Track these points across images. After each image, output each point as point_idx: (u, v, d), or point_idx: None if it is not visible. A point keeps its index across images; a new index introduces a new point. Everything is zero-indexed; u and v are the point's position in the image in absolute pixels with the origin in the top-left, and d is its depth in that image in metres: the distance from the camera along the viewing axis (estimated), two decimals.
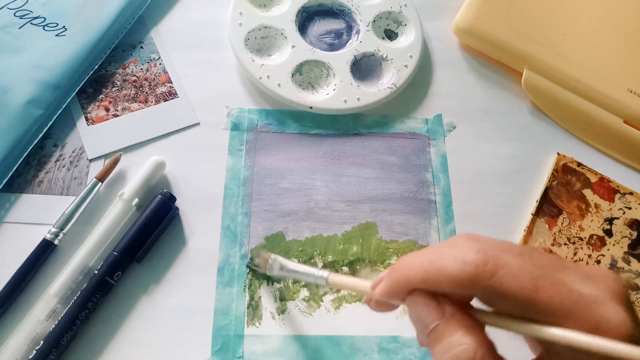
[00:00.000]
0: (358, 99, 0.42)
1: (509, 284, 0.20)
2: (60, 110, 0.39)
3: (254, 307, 0.36)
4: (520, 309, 0.20)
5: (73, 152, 0.39)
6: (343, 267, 0.38)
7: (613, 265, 0.40)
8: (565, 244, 0.40)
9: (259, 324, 0.35)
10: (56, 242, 0.35)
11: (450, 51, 0.48)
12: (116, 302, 0.35)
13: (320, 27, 0.46)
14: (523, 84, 0.45)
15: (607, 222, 0.42)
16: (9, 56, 0.39)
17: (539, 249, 0.40)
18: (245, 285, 0.36)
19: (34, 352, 0.31)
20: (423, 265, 0.22)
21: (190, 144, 0.40)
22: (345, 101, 0.42)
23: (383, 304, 0.26)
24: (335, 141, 0.42)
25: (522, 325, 0.21)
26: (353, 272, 0.38)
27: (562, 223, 0.41)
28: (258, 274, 0.36)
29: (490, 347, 0.20)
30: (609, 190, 0.43)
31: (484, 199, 0.41)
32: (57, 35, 0.41)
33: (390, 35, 0.47)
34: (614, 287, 0.21)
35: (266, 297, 0.36)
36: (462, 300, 0.22)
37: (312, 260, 0.38)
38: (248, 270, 0.37)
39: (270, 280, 0.37)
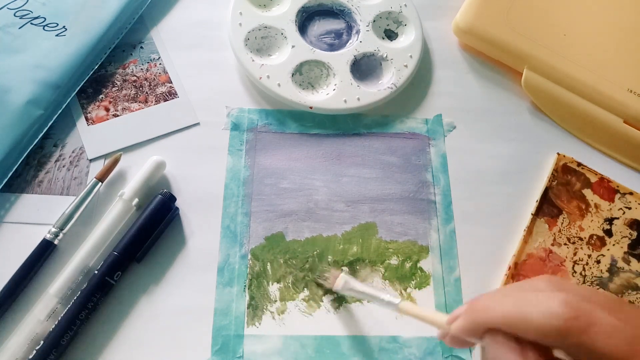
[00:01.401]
0: (358, 99, 0.42)
1: (603, 344, 0.19)
2: (60, 110, 0.39)
3: (254, 307, 0.36)
4: None
5: (73, 152, 0.39)
6: (343, 267, 0.38)
7: (613, 265, 0.40)
8: (565, 244, 0.40)
9: (259, 324, 0.35)
10: (56, 242, 0.35)
11: (450, 51, 0.48)
12: (116, 302, 0.35)
13: (320, 27, 0.46)
14: (523, 84, 0.45)
15: (607, 222, 0.42)
16: (9, 56, 0.39)
17: (626, 301, 0.38)
18: (245, 285, 0.36)
19: (34, 352, 0.31)
20: (505, 310, 0.21)
21: (190, 144, 0.40)
22: (345, 101, 0.42)
23: (459, 341, 0.25)
24: (335, 141, 0.42)
25: None
26: (353, 272, 0.38)
27: (562, 223, 0.41)
28: (322, 287, 0.37)
29: None
30: (608, 190, 0.43)
31: (484, 199, 0.41)
32: (57, 35, 0.41)
33: (390, 35, 0.47)
34: None
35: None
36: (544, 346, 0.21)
37: (310, 259, 0.38)
38: (315, 282, 0.37)
39: (270, 281, 0.37)
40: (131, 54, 0.43)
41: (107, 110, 0.41)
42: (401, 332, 0.36)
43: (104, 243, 0.35)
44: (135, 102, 0.41)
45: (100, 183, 0.37)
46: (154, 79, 0.42)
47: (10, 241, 0.35)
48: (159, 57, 0.43)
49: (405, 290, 0.37)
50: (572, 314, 0.19)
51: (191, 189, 0.39)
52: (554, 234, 0.40)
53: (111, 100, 0.41)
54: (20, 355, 0.31)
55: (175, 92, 0.42)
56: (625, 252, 0.41)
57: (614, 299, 0.22)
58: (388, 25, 0.47)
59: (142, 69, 0.43)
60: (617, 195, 0.43)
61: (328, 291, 0.37)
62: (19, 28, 0.41)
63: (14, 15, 0.41)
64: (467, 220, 0.40)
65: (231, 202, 0.38)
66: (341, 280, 0.34)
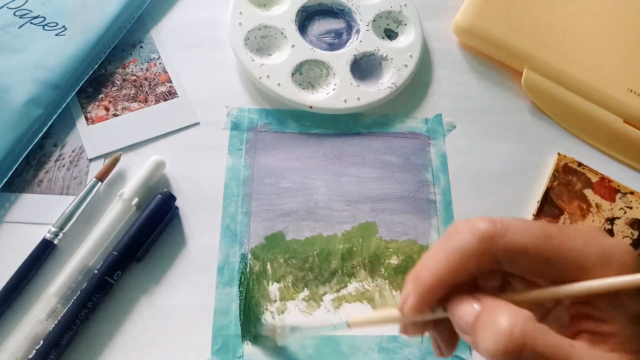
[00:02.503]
0: (358, 98, 0.42)
1: (523, 237, 0.22)
2: (60, 110, 0.39)
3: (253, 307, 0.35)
4: (538, 262, 0.22)
5: (73, 151, 0.39)
6: (343, 268, 0.38)
7: None
8: None
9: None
10: (56, 241, 0.35)
11: (450, 51, 0.48)
12: (116, 301, 0.35)
13: (320, 26, 0.46)
14: (523, 83, 0.45)
15: (609, 222, 0.42)
16: (8, 56, 0.39)
17: None
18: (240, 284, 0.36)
19: (34, 351, 0.31)
20: (440, 255, 0.23)
21: (190, 144, 0.40)
22: (345, 101, 0.42)
23: (419, 326, 0.25)
24: (335, 141, 0.42)
25: (549, 289, 0.22)
26: (353, 273, 0.37)
27: (564, 223, 0.41)
28: (268, 345, 0.35)
29: (528, 317, 0.21)
30: (609, 190, 0.43)
31: (484, 199, 0.41)
32: (56, 34, 0.41)
33: (390, 34, 0.47)
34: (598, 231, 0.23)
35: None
36: (494, 290, 0.23)
37: (310, 259, 0.37)
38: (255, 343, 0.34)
39: (269, 282, 0.37)
40: (131, 54, 0.43)
41: (107, 109, 0.41)
42: None
43: (104, 243, 0.35)
44: (135, 101, 0.41)
45: (100, 183, 0.37)
46: (154, 78, 0.42)
47: (10, 241, 0.35)
48: (159, 57, 0.43)
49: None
50: (491, 223, 0.22)
51: (191, 189, 0.39)
52: None
53: (111, 99, 0.41)
54: (20, 355, 0.31)
55: (175, 91, 0.42)
56: None
57: None
58: (388, 24, 0.47)
59: (142, 68, 0.43)
60: (618, 195, 0.43)
61: (309, 298, 0.36)
62: (19, 27, 0.41)
63: (14, 14, 0.41)
64: None
65: (231, 202, 0.38)
66: (279, 331, 0.33)
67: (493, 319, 0.21)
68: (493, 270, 0.23)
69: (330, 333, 0.34)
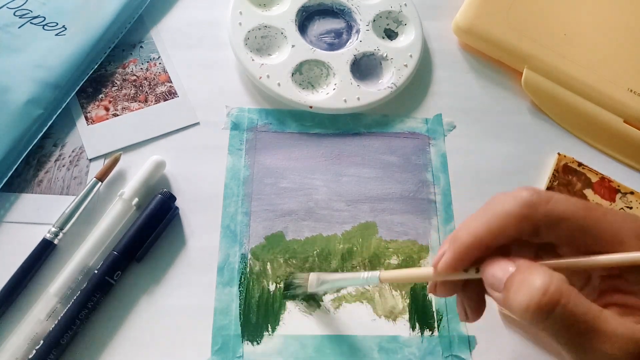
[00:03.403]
0: (358, 98, 0.42)
1: (565, 206, 0.23)
2: (60, 110, 0.39)
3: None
4: (577, 231, 0.23)
5: (73, 151, 0.39)
6: (343, 268, 0.38)
7: None
8: None
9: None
10: (56, 241, 0.35)
11: (450, 51, 0.48)
12: (116, 301, 0.35)
13: (320, 26, 0.46)
14: (523, 83, 0.45)
15: None
16: (8, 56, 0.39)
17: None
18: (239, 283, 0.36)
19: (34, 351, 0.31)
20: (482, 218, 0.24)
21: (190, 144, 0.40)
22: (345, 101, 0.42)
23: (448, 286, 0.26)
24: (335, 141, 0.42)
25: (585, 258, 0.23)
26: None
27: None
28: (296, 296, 0.36)
29: (563, 279, 0.21)
30: (609, 190, 0.43)
31: (484, 199, 0.41)
32: (56, 34, 0.41)
33: (390, 34, 0.47)
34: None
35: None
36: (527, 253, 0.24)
37: (310, 259, 0.38)
38: (285, 297, 0.36)
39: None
40: (131, 54, 0.43)
41: (107, 109, 0.41)
42: (401, 332, 0.36)
43: (104, 243, 0.35)
44: (135, 101, 0.41)
45: (100, 183, 0.37)
46: (154, 78, 0.42)
47: (10, 241, 0.35)
48: (159, 57, 0.43)
49: (404, 290, 0.37)
50: (534, 191, 0.23)
51: (191, 189, 0.39)
52: None
53: (111, 99, 0.41)
54: (20, 355, 0.31)
55: (175, 91, 0.42)
56: None
57: None
58: (388, 24, 0.47)
59: (141, 68, 0.43)
60: (618, 195, 0.43)
61: (309, 297, 0.36)
62: (19, 27, 0.41)
63: (14, 14, 0.41)
64: None
65: (231, 202, 0.38)
66: (313, 277, 0.33)
67: (528, 277, 0.21)
68: (527, 242, 0.24)
69: (361, 285, 0.34)
